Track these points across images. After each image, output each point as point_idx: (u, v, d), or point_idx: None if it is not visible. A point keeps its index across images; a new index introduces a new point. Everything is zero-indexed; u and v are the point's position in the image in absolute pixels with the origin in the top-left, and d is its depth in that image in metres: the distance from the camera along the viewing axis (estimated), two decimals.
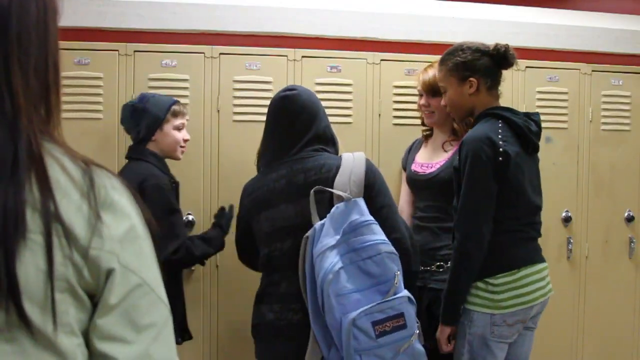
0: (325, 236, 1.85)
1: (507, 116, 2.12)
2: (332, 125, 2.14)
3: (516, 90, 3.19)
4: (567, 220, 3.25)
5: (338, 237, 1.86)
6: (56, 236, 0.74)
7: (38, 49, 0.80)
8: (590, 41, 3.35)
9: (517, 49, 3.25)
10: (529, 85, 3.21)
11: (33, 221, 0.74)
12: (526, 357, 2.25)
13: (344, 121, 2.96)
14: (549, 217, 3.22)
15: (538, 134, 2.20)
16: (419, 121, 2.84)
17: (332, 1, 3.09)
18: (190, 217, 2.78)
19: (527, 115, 2.21)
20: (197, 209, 2.80)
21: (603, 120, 3.32)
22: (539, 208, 2.20)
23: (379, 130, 3.00)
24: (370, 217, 1.91)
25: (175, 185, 2.43)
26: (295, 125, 2.05)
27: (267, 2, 2.99)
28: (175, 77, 2.82)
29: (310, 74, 2.93)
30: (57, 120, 0.82)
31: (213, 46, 2.85)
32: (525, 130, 2.12)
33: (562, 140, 3.26)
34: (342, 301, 1.78)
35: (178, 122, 2.45)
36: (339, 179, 1.96)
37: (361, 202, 1.93)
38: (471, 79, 2.16)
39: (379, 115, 3.00)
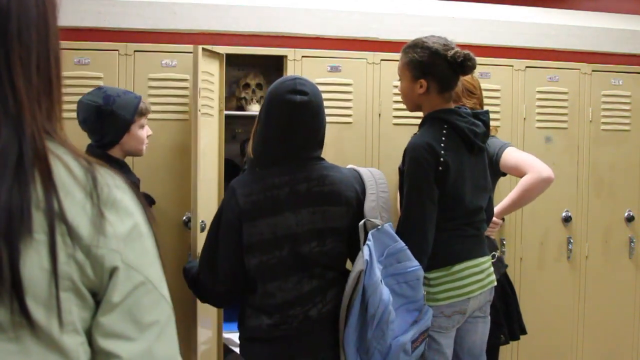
0: (374, 267, 1.92)
1: (451, 120, 2.13)
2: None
3: (516, 90, 3.19)
4: (567, 220, 3.25)
5: (381, 267, 1.96)
6: (60, 235, 0.74)
7: (39, 46, 0.80)
8: (590, 41, 3.36)
9: (517, 49, 3.30)
10: (529, 85, 3.21)
11: (37, 220, 0.74)
12: (482, 343, 2.30)
13: (344, 121, 2.96)
14: (549, 217, 3.23)
15: (485, 134, 2.22)
16: (419, 121, 2.83)
17: (332, 1, 3.10)
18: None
19: (476, 115, 2.21)
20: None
21: (603, 120, 3.32)
22: (480, 208, 2.23)
23: (379, 130, 3.00)
24: (402, 242, 2.01)
25: (137, 186, 2.39)
26: (304, 133, 1.94)
27: (267, 2, 2.99)
28: (175, 77, 2.82)
29: (310, 74, 2.92)
30: (59, 115, 0.83)
31: (213, 46, 2.86)
32: (469, 134, 2.14)
33: (562, 140, 3.26)
34: (392, 327, 1.92)
35: (143, 120, 2.36)
36: (368, 205, 1.99)
37: (390, 227, 2.01)
38: (422, 80, 2.15)
39: (379, 115, 3.01)
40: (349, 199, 1.96)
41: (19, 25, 0.78)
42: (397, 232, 2.08)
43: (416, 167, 2.08)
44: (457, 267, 2.15)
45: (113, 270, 0.79)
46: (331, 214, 1.94)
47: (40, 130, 0.77)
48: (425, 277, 2.13)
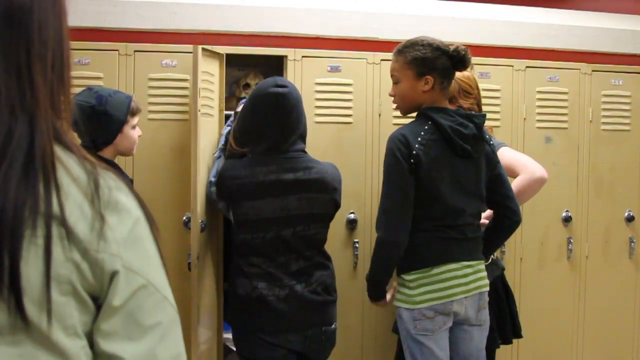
0: None
1: (434, 117, 2.12)
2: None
3: (516, 90, 3.19)
4: (567, 220, 3.25)
5: None
6: (58, 238, 0.74)
7: (54, 45, 0.81)
8: (590, 41, 3.36)
9: (517, 49, 3.30)
10: (529, 85, 3.21)
11: (37, 223, 0.73)
12: (478, 351, 2.26)
13: (344, 121, 2.96)
14: (549, 217, 3.23)
15: (476, 137, 2.17)
16: None
17: (332, 1, 3.10)
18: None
19: (470, 116, 2.18)
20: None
21: (603, 120, 3.32)
22: (462, 211, 2.18)
23: (379, 131, 3.00)
24: None
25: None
26: (288, 123, 2.21)
27: (268, 2, 3.00)
28: (175, 77, 2.82)
29: (310, 74, 2.93)
30: (66, 115, 0.83)
31: (213, 46, 2.85)
32: (451, 134, 2.11)
33: (562, 140, 3.26)
34: None
35: (136, 120, 2.33)
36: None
37: None
38: (428, 76, 2.15)
39: (379, 115, 3.00)
40: (333, 188, 2.26)
41: (39, 23, 0.79)
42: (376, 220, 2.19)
43: (390, 158, 2.12)
44: (436, 270, 2.13)
45: (113, 275, 0.78)
46: (317, 201, 2.23)
47: (50, 130, 0.78)
48: (404, 279, 2.16)
